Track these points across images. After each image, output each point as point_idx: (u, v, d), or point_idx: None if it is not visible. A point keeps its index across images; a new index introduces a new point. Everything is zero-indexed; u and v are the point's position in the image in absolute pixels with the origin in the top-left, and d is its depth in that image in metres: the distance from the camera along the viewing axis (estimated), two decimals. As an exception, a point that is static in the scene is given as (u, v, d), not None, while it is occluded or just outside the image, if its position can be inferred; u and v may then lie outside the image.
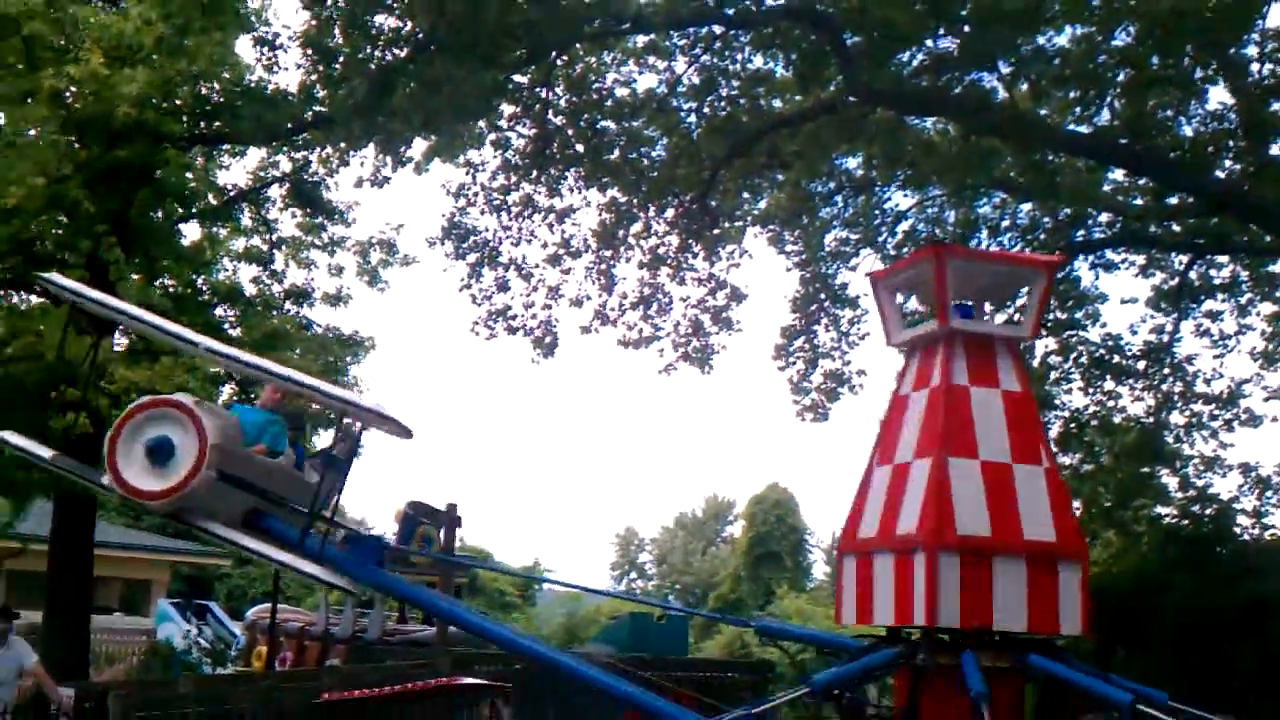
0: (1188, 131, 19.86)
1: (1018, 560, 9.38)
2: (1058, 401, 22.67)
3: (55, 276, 9.92)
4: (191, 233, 22.65)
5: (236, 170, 36.92)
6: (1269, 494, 21.81)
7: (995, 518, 9.45)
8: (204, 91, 21.16)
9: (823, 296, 23.55)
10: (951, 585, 9.12)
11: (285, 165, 23.07)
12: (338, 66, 19.24)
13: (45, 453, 9.69)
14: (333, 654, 22.83)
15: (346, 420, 9.98)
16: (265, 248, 23.09)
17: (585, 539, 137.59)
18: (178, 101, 20.19)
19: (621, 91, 21.77)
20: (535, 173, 22.08)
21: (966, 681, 8.74)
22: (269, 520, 9.47)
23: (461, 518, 23.68)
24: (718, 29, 20.25)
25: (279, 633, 23.86)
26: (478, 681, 13.53)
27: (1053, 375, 22.53)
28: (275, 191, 23.37)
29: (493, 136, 21.81)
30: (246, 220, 23.33)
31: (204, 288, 22.25)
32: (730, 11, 19.37)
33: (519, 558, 66.26)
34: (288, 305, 22.86)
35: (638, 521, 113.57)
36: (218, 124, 21.55)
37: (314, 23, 19.15)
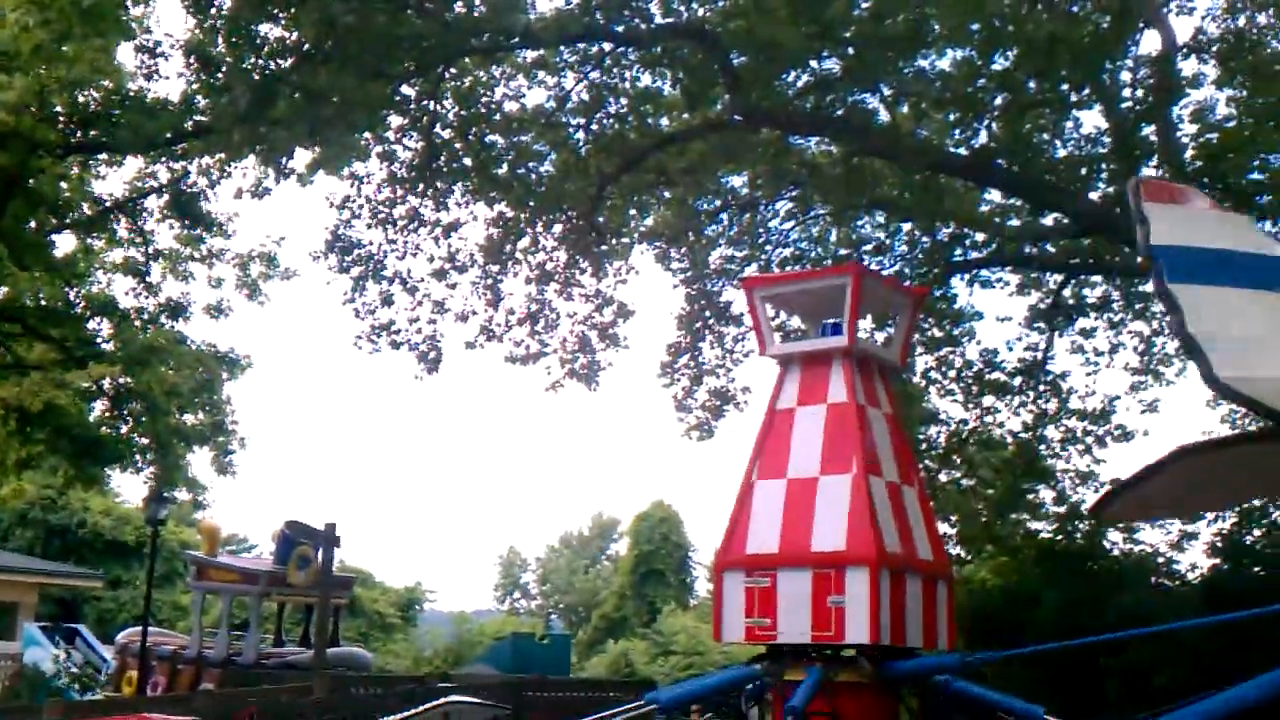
0: (1062, 154, 20.47)
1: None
2: (942, 416, 23.10)
3: None
4: (65, 243, 22.11)
5: (113, 180, 36.07)
6: (1138, 508, 22.38)
7: (903, 534, 9.67)
8: (82, 99, 20.64)
9: (708, 314, 23.63)
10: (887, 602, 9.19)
11: (164, 175, 22.58)
12: (220, 75, 18.87)
13: None
14: (206, 678, 22.35)
15: None
16: (142, 260, 22.61)
17: (469, 559, 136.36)
18: (55, 109, 19.68)
19: (510, 106, 21.66)
20: (422, 186, 21.84)
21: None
22: None
23: (340, 538, 23.39)
24: (607, 46, 20.30)
25: (151, 657, 23.29)
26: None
27: (933, 390, 22.94)
28: (153, 202, 22.89)
29: (379, 149, 21.50)
30: (123, 231, 22.82)
31: (77, 300, 21.70)
32: (619, 29, 19.43)
33: (401, 578, 65.37)
34: (164, 319, 22.39)
35: (522, 541, 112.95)
36: (95, 132, 21.03)
37: (197, 31, 18.78)
